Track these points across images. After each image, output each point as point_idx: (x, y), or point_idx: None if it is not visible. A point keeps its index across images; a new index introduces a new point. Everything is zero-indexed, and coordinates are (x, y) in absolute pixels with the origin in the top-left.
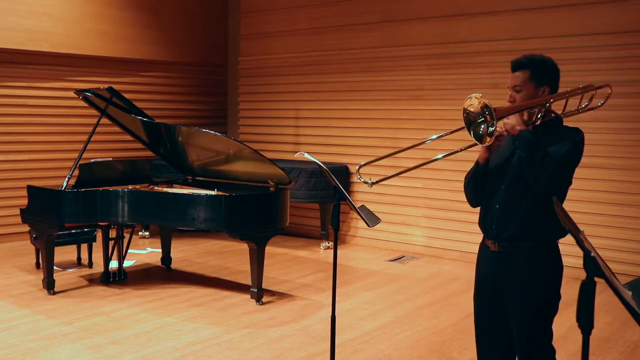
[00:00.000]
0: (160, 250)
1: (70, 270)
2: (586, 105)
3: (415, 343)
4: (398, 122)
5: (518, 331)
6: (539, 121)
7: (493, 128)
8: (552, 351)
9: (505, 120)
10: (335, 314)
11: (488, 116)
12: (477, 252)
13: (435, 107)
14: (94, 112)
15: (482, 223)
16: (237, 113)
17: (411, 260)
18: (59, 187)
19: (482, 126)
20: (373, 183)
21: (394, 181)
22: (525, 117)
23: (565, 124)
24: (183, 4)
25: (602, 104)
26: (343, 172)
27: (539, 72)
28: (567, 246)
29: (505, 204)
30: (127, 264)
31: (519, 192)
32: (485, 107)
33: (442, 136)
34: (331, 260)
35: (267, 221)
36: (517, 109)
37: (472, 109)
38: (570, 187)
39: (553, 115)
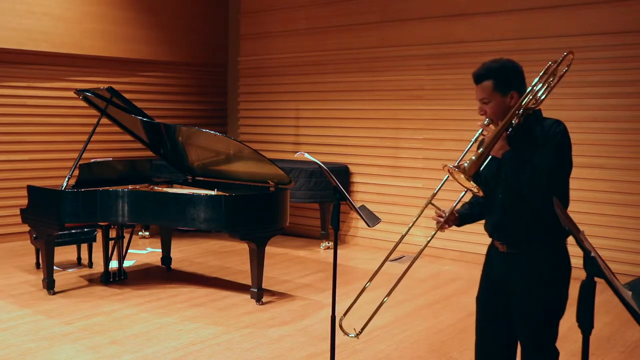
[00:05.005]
0: (160, 250)
1: (70, 270)
2: (552, 80)
3: (415, 343)
4: (398, 122)
5: (523, 332)
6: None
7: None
8: (556, 353)
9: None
10: (335, 314)
11: (461, 173)
12: (476, 252)
13: (435, 107)
14: (94, 112)
15: (488, 228)
16: (237, 113)
17: (410, 259)
18: (59, 187)
19: (471, 179)
20: (358, 334)
21: (394, 181)
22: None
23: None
24: (183, 4)
25: (567, 70)
26: (343, 172)
27: (502, 80)
28: (567, 246)
29: (506, 211)
30: (127, 264)
31: (517, 198)
32: (455, 171)
33: (437, 191)
34: (331, 260)
35: (267, 221)
36: (496, 138)
37: (460, 182)
38: (570, 187)
39: (531, 111)
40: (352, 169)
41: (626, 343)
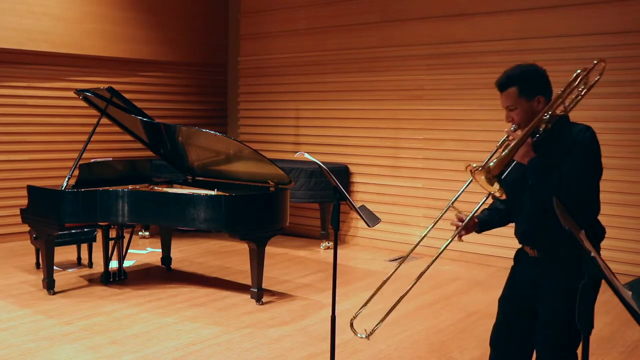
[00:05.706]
0: (160, 250)
1: (70, 270)
2: (583, 89)
3: (415, 343)
4: (398, 122)
5: (546, 332)
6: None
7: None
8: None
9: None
10: (335, 314)
11: (485, 173)
12: (476, 252)
13: (435, 107)
14: (94, 112)
15: (517, 235)
16: (237, 113)
17: (411, 260)
18: (59, 187)
19: (494, 181)
20: (369, 334)
21: (394, 181)
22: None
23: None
24: (183, 4)
25: (598, 79)
26: (343, 172)
27: (526, 86)
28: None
29: (534, 219)
30: (127, 264)
31: (544, 206)
32: (477, 171)
33: (460, 194)
34: (331, 260)
35: (267, 221)
36: (520, 143)
37: (481, 184)
38: None
39: (558, 117)
40: (352, 169)
41: (626, 343)
